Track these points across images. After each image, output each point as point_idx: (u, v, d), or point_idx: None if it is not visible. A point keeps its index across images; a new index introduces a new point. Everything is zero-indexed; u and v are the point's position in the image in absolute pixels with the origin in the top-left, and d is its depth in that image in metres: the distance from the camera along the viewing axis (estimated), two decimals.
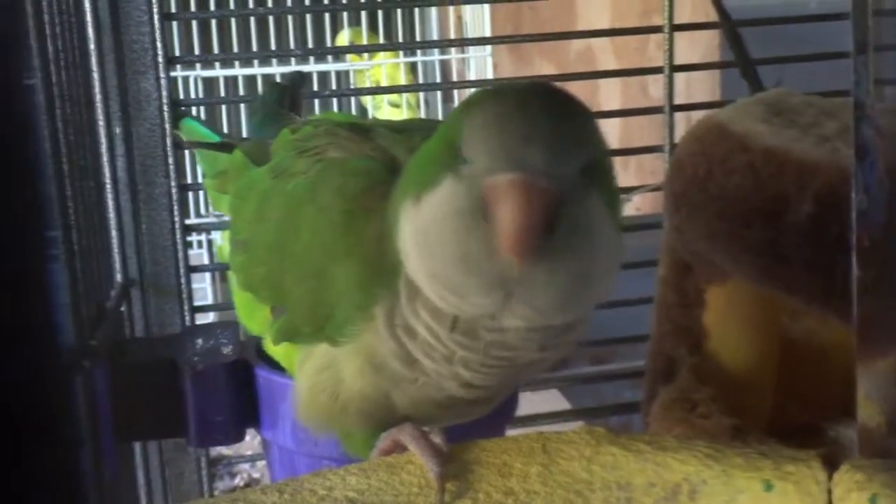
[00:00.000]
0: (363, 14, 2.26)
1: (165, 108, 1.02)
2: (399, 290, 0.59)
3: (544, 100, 0.54)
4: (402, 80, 2.30)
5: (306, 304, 0.65)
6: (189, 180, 1.83)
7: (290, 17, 2.02)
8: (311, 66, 2.07)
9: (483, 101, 0.55)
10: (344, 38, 2.25)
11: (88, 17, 0.95)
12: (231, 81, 1.93)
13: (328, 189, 0.64)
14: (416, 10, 2.57)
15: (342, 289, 0.62)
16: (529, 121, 0.52)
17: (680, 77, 1.12)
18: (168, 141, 1.02)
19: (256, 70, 1.92)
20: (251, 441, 1.22)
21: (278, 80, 0.90)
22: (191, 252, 1.18)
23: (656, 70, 1.11)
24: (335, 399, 0.65)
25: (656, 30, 1.10)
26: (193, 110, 1.46)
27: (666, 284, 0.91)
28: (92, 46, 0.96)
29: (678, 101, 1.12)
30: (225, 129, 1.69)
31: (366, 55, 2.26)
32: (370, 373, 0.63)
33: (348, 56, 2.27)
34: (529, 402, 0.96)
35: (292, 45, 2.01)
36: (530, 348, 0.59)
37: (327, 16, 2.00)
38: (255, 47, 2.03)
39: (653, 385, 0.92)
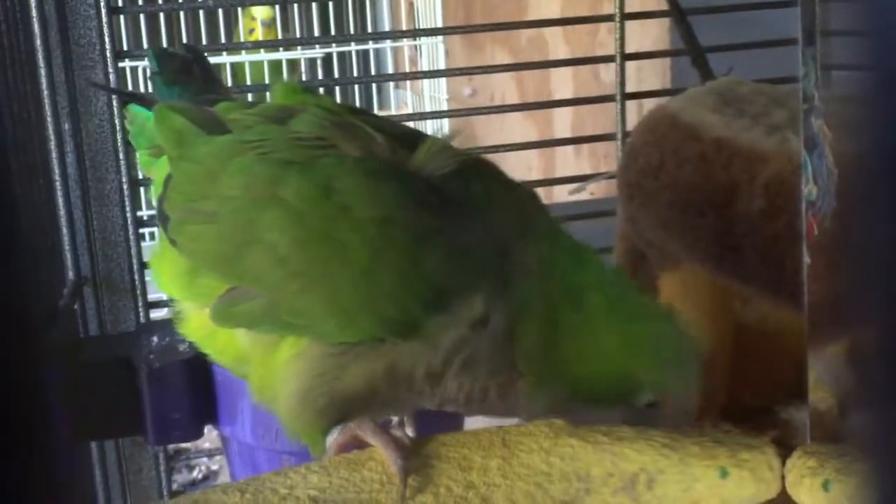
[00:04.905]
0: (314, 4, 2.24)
1: (115, 102, 1.01)
2: None
3: None
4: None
5: (322, 299, 0.62)
6: (140, 175, 1.80)
7: (238, 10, 2.01)
8: (263, 56, 2.06)
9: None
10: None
11: (34, 14, 0.94)
12: None
13: (388, 200, 0.62)
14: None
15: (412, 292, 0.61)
16: None
17: (631, 63, 1.13)
18: (118, 136, 1.01)
19: None
20: (209, 434, 1.22)
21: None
22: (143, 245, 1.17)
23: (607, 59, 1.12)
24: (331, 400, 0.63)
25: (607, 18, 1.11)
26: None
27: None
28: (38, 43, 0.94)
29: (629, 86, 1.12)
30: None
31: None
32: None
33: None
34: None
35: (242, 38, 2.00)
36: None
37: (277, 8, 1.98)
38: (204, 39, 2.01)
39: None
